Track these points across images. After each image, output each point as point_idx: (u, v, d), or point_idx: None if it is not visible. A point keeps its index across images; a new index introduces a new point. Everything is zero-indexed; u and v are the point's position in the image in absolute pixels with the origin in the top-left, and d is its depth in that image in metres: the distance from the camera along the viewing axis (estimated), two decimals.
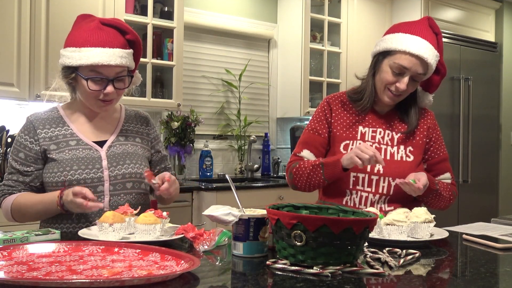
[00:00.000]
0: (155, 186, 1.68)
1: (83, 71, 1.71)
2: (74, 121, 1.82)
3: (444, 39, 4.65)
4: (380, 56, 1.92)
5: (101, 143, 1.80)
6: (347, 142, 1.96)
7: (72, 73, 1.73)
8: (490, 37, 5.39)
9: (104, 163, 1.76)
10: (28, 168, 1.76)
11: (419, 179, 1.78)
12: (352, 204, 1.90)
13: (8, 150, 3.19)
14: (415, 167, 1.93)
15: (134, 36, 1.77)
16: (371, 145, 1.93)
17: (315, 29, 4.58)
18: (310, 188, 1.96)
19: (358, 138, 1.96)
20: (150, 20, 3.61)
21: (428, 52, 1.84)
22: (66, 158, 1.74)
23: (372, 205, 1.88)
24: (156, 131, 1.98)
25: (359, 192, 1.89)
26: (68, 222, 1.74)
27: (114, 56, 1.69)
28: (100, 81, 1.71)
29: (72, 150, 1.75)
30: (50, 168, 1.74)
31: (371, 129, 1.98)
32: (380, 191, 1.89)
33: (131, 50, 1.77)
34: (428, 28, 1.90)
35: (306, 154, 1.98)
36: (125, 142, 1.85)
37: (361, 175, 1.90)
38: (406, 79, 1.85)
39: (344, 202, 1.91)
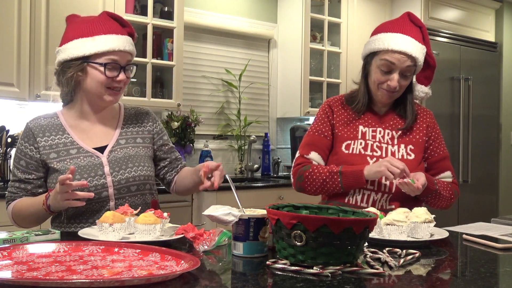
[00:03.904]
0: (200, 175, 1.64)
1: (98, 59, 1.71)
2: (74, 128, 1.80)
3: (444, 39, 4.67)
4: (368, 58, 1.98)
5: (101, 149, 1.79)
6: (349, 142, 1.98)
7: (81, 64, 1.71)
8: (490, 37, 5.38)
9: (106, 169, 1.74)
10: (29, 176, 1.75)
11: (417, 179, 1.80)
12: (354, 203, 1.91)
13: (8, 150, 3.19)
14: (416, 165, 1.94)
15: (132, 30, 1.82)
16: (373, 144, 1.96)
17: (315, 29, 4.58)
18: (321, 193, 1.98)
19: (359, 137, 1.98)
20: (150, 20, 3.61)
21: (410, 46, 1.89)
22: (68, 167, 1.70)
23: (374, 203, 1.90)
24: (160, 124, 1.95)
25: (361, 191, 1.91)
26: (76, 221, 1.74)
27: (127, 42, 1.75)
28: (114, 68, 1.73)
29: (73, 159, 1.74)
30: (54, 178, 1.73)
31: (371, 129, 2.00)
32: (382, 189, 1.90)
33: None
34: (409, 23, 1.96)
35: (314, 156, 1.99)
36: (125, 145, 1.83)
37: None
38: (395, 76, 1.90)
39: (346, 201, 1.92)
